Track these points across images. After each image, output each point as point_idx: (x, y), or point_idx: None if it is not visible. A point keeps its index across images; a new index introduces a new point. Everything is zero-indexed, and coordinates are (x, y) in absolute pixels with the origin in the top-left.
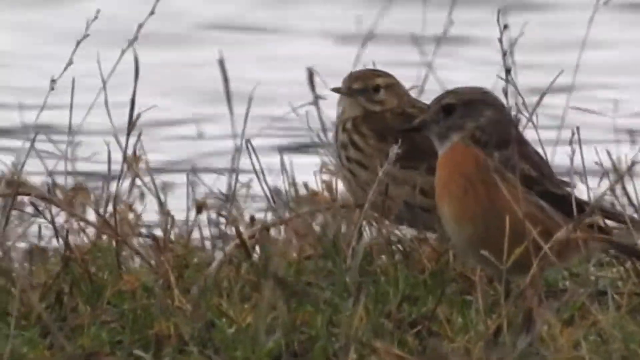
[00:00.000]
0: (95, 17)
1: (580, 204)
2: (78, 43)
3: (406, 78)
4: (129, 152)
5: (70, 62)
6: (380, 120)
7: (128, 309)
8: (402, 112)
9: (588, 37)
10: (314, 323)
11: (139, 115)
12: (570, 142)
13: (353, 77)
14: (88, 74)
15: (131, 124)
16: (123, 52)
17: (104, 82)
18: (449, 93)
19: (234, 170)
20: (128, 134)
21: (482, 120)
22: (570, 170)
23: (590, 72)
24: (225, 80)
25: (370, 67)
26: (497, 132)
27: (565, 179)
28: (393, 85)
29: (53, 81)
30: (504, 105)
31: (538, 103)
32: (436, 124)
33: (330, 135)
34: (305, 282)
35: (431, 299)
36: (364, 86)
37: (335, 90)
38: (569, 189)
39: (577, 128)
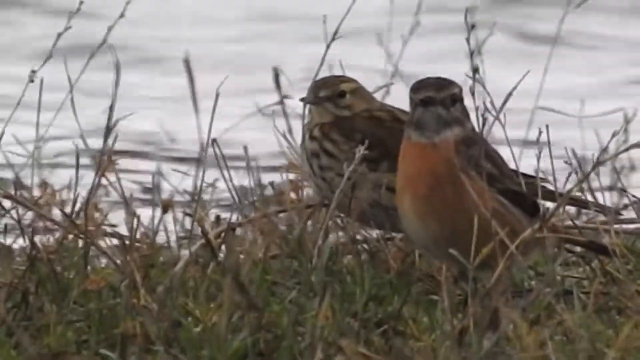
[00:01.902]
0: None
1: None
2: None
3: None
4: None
5: (50, 56)
6: (349, 125)
7: (94, 309)
8: (370, 116)
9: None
10: (280, 322)
11: (116, 122)
12: (538, 141)
13: (318, 85)
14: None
15: (108, 130)
16: (90, 58)
17: (71, 85)
18: (449, 82)
19: (200, 170)
20: (105, 139)
21: (470, 122)
22: (537, 168)
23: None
24: (191, 80)
25: (336, 67)
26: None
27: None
28: (357, 89)
29: (32, 78)
30: None
31: (505, 101)
32: (444, 109)
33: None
34: (271, 281)
35: (397, 298)
36: (330, 93)
37: (304, 100)
38: (536, 184)
39: (547, 126)
